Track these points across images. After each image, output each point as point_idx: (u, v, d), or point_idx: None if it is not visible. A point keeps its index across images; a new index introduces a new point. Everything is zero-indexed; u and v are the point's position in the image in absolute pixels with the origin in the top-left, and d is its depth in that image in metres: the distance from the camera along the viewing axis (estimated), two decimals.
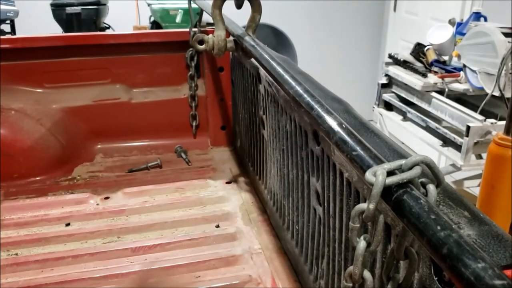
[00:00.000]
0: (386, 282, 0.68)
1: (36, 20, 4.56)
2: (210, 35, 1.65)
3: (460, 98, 3.09)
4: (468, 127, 2.57)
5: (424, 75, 3.13)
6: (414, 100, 3.18)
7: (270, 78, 1.37)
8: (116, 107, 2.22)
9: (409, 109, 3.21)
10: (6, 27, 4.47)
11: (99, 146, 2.26)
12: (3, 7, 4.19)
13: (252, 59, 1.56)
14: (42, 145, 2.11)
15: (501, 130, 2.20)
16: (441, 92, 3.03)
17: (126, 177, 2.12)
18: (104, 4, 4.43)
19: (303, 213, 1.36)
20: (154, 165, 2.19)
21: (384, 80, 3.46)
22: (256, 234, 1.67)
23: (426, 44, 3.35)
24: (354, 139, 0.76)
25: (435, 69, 3.21)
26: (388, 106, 3.47)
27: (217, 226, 1.72)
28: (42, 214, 1.80)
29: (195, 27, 2.07)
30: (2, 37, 1.95)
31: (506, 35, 2.73)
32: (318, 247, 1.27)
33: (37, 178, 2.07)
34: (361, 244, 0.63)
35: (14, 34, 4.42)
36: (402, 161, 0.57)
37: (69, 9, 4.22)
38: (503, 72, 2.64)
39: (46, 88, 2.12)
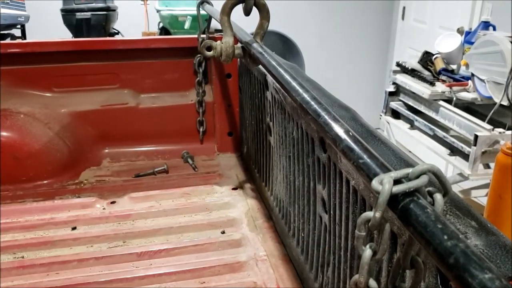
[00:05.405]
0: None
1: (47, 25, 4.61)
2: (218, 42, 1.66)
3: (468, 107, 3.08)
4: (476, 136, 2.55)
5: (432, 84, 3.12)
6: (422, 108, 3.17)
7: (278, 85, 1.37)
8: (123, 112, 2.23)
9: (416, 117, 3.20)
10: (17, 32, 4.52)
11: (106, 150, 2.27)
12: (14, 12, 4.24)
13: (260, 66, 1.56)
14: (50, 149, 2.12)
15: (509, 140, 2.19)
16: (449, 101, 3.02)
17: (132, 181, 2.13)
18: (114, 10, 4.48)
19: (309, 221, 1.36)
20: (160, 170, 2.19)
21: (391, 88, 3.46)
22: (261, 240, 1.67)
23: (434, 53, 3.34)
24: (360, 147, 0.76)
25: (443, 77, 3.20)
26: (396, 114, 3.46)
27: (223, 232, 1.72)
28: (48, 217, 1.81)
29: (203, 33, 2.08)
30: (13, 41, 1.98)
31: None
32: (324, 254, 1.26)
33: (44, 182, 2.09)
34: (367, 252, 0.63)
35: (25, 38, 4.47)
36: (409, 170, 0.57)
37: (79, 15, 4.27)
38: None
39: (55, 92, 2.14)
